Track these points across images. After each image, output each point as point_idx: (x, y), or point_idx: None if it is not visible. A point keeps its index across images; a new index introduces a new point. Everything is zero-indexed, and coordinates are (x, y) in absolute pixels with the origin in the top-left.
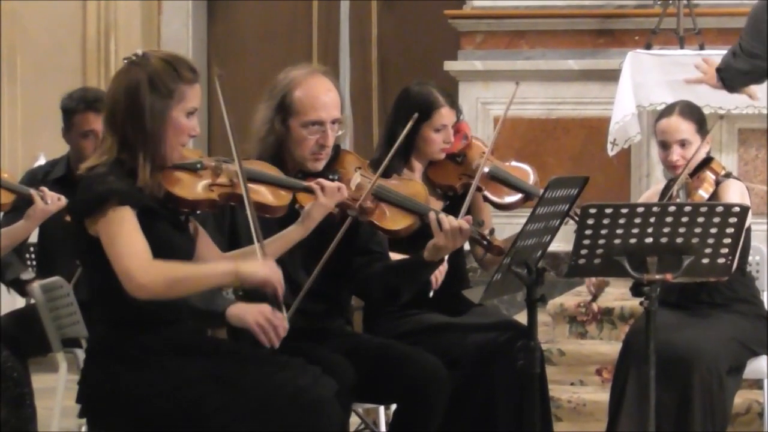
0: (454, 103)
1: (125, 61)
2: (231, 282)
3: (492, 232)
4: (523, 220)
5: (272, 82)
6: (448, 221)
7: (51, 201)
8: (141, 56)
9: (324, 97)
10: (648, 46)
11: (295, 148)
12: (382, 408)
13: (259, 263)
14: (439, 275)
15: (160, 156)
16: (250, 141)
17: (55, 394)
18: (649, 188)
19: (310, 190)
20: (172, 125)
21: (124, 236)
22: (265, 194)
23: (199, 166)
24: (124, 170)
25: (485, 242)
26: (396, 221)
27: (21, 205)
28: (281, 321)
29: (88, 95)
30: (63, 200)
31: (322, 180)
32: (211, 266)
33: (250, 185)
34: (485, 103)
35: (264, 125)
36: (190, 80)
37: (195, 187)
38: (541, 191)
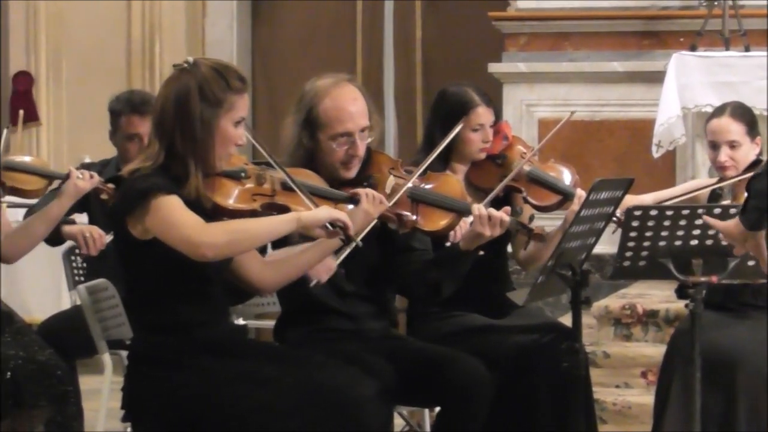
0: (490, 102)
1: (175, 68)
2: (293, 229)
3: (532, 218)
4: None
5: (298, 94)
6: (492, 214)
7: (84, 178)
8: (191, 63)
9: (350, 108)
10: (693, 48)
11: (326, 160)
12: (426, 410)
13: (318, 209)
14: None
15: (207, 165)
16: (282, 155)
17: (101, 396)
18: None
19: (352, 201)
20: (220, 134)
21: (176, 213)
22: (305, 206)
23: (243, 174)
24: (170, 176)
25: (525, 229)
26: (435, 221)
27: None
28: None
29: (134, 98)
30: (96, 178)
31: (369, 189)
32: (271, 217)
33: (291, 195)
34: (529, 105)
35: (292, 141)
36: (239, 89)
37: (237, 197)
38: (580, 191)
